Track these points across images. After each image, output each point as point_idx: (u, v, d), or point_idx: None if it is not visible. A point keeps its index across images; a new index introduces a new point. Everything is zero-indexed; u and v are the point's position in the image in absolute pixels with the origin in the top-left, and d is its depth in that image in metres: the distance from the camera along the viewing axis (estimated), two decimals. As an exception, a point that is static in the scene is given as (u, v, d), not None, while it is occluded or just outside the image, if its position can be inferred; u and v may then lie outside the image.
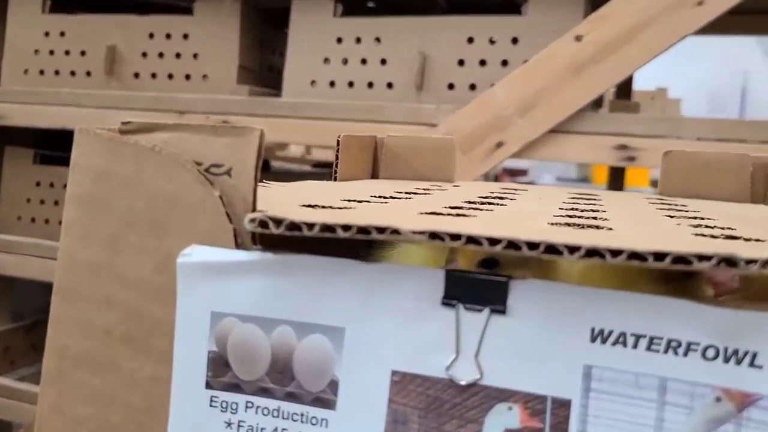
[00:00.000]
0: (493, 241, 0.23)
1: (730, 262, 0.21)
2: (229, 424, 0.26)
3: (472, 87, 1.02)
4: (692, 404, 0.22)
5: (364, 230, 0.24)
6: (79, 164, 0.28)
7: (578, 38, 0.92)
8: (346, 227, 0.24)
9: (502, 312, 0.24)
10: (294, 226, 0.24)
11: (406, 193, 0.43)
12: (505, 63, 1.00)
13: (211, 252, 0.26)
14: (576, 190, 0.52)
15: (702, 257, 0.21)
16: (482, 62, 1.02)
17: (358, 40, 1.07)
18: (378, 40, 1.05)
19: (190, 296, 0.26)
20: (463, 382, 0.24)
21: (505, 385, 0.23)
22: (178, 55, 1.18)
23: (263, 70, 1.20)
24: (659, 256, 0.21)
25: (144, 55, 1.20)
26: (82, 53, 1.23)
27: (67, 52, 1.24)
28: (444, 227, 0.23)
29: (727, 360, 0.21)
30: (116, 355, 0.27)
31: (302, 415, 0.25)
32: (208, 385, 0.26)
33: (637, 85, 2.19)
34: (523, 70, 0.95)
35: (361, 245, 0.30)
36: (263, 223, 0.25)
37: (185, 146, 0.27)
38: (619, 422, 0.22)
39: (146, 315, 0.26)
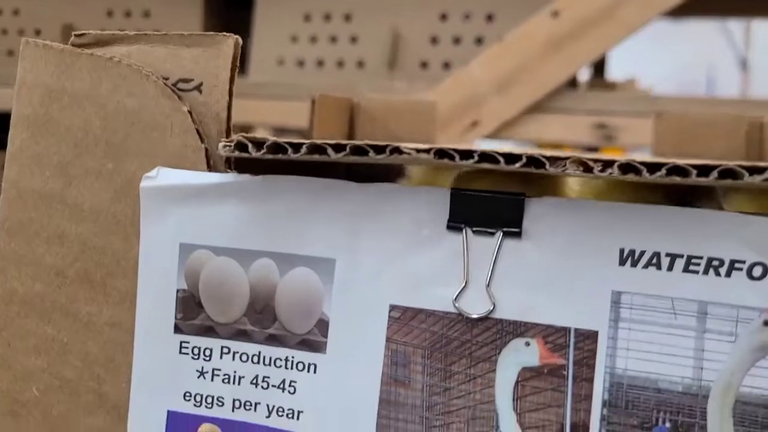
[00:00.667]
0: (511, 158, 0.20)
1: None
2: (202, 373, 0.22)
3: (446, 65, 0.99)
4: (737, 331, 0.19)
5: (359, 150, 0.21)
6: (26, 82, 0.24)
7: (555, 14, 0.90)
8: (339, 147, 0.21)
9: (517, 235, 0.21)
10: (278, 147, 0.21)
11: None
12: (479, 41, 0.98)
13: (180, 175, 0.22)
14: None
15: (753, 170, 0.18)
16: (456, 40, 0.99)
17: (327, 17, 1.03)
18: (348, 17, 1.02)
19: (155, 226, 0.22)
20: (473, 316, 0.21)
21: (522, 317, 0.20)
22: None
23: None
24: (703, 169, 0.19)
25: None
26: (37, 32, 1.17)
27: (21, 32, 1.18)
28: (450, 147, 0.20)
29: (777, 278, 0.19)
30: (70, 298, 0.23)
31: (286, 360, 0.22)
32: (178, 329, 0.23)
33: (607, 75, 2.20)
34: (499, 47, 0.93)
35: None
36: (241, 146, 0.21)
37: (149, 60, 0.23)
38: (653, 354, 0.20)
39: (104, 251, 0.23)
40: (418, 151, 0.20)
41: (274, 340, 0.22)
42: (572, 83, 0.93)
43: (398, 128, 0.54)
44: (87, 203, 0.23)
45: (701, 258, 0.19)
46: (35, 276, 0.24)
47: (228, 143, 0.21)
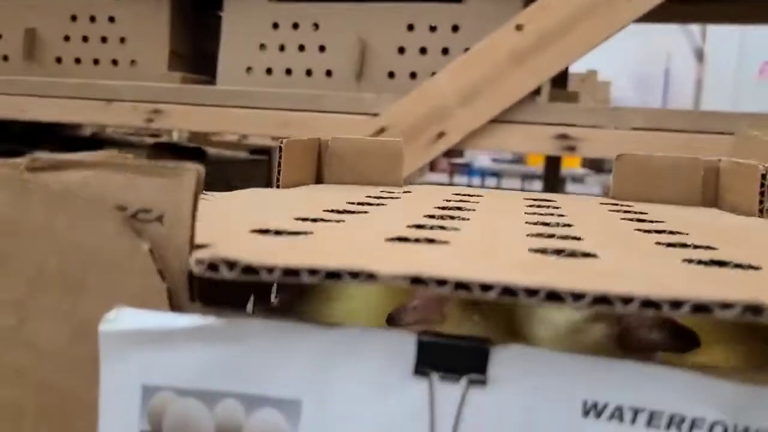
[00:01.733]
0: (486, 287, 0.19)
1: (755, 310, 0.18)
2: None
3: (413, 75, 0.98)
4: (699, 490, 0.19)
5: (334, 274, 0.20)
6: (-22, 209, 0.23)
7: (519, 27, 0.89)
8: (313, 271, 0.20)
9: (482, 383, 0.20)
10: (250, 269, 0.20)
11: (359, 203, 0.40)
12: (445, 51, 0.97)
13: (141, 317, 0.21)
14: (530, 195, 0.49)
15: (725, 305, 0.18)
16: (423, 50, 0.98)
17: (296, 25, 1.01)
18: (316, 26, 1.00)
19: (115, 369, 0.21)
20: (439, 465, 0.20)
21: (487, 466, 0.20)
22: (103, 39, 1.10)
23: (197, 55, 1.13)
24: (676, 303, 0.18)
25: (66, 38, 1.11)
26: (-1, 36, 1.13)
27: (-19, 36, 1.14)
28: (424, 267, 0.20)
29: (738, 440, 0.19)
30: (30, 435, 0.22)
31: (253, 502, 0.21)
32: (142, 471, 0.22)
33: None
34: (465, 59, 0.92)
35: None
36: (213, 266, 0.21)
37: (108, 187, 0.22)
38: None
39: (64, 390, 0.22)
40: (393, 277, 0.20)
41: (240, 481, 0.21)
42: (535, 93, 0.93)
43: (366, 168, 0.53)
44: (43, 343, 0.22)
45: (663, 413, 0.19)
46: (-7, 414, 0.23)
47: (200, 260, 0.21)
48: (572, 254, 0.26)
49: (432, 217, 0.35)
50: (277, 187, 0.47)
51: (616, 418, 0.20)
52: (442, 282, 0.20)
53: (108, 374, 0.22)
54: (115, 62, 1.09)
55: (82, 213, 0.22)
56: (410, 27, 0.97)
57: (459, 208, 0.39)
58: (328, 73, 1.00)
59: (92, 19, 1.09)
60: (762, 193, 0.41)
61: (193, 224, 0.22)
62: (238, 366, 0.21)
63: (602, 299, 0.19)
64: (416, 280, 0.20)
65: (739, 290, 0.20)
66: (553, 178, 1.69)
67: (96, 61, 1.10)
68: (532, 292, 0.19)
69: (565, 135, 0.91)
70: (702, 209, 0.47)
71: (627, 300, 0.19)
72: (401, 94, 0.95)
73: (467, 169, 3.21)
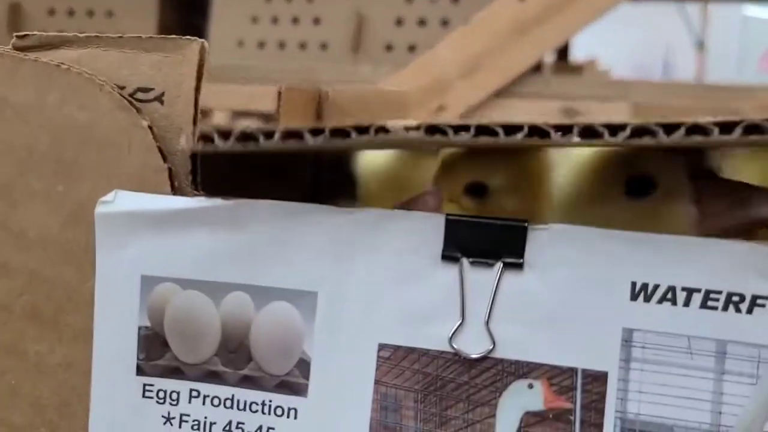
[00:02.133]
0: (511, 129, 0.18)
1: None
2: (168, 419, 0.20)
3: (412, 48, 0.97)
4: (758, 372, 0.17)
5: (339, 132, 0.19)
6: (-40, 90, 0.21)
7: (521, -3, 0.88)
8: (316, 131, 0.19)
9: (519, 266, 0.19)
10: (247, 136, 0.19)
11: None
12: (445, 23, 0.95)
13: (140, 199, 0.20)
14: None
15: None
16: (421, 22, 0.96)
17: (289, -3, 0.99)
18: (310, -3, 0.99)
19: (112, 257, 0.20)
20: (471, 356, 0.19)
21: (524, 357, 0.18)
22: (90, 13, 1.08)
23: (186, 29, 1.11)
24: (669, 127, 0.17)
25: (51, 12, 1.09)
26: (-19, 11, 1.11)
27: (-36, 10, 1.11)
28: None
29: (804, 316, 0.17)
30: (18, 335, 0.21)
31: (263, 404, 0.20)
32: (140, 371, 0.20)
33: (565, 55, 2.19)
34: (465, 30, 0.90)
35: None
36: (207, 138, 0.19)
37: (101, 65, 0.21)
38: (667, 398, 0.18)
39: (55, 283, 0.20)
40: (407, 129, 0.18)
41: (249, 382, 0.20)
42: (537, 67, 0.91)
43: (367, 119, 0.51)
44: (33, 230, 0.20)
45: (720, 293, 0.18)
46: (-23, 311, 0.21)
47: (192, 133, 0.19)
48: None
49: None
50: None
51: (667, 300, 0.18)
52: (460, 128, 0.18)
53: (104, 263, 0.20)
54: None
55: (75, 88, 0.20)
56: (408, -2, 0.96)
57: None
58: (324, 46, 0.99)
59: (79, -9, 1.07)
60: None
61: (197, 103, 0.20)
62: (246, 254, 0.20)
63: (645, 130, 0.17)
64: (432, 130, 0.18)
65: None
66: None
67: (83, 36, 1.08)
68: (561, 128, 0.17)
69: (569, 109, 0.89)
70: None
71: (615, 129, 0.17)
72: (399, 67, 0.93)
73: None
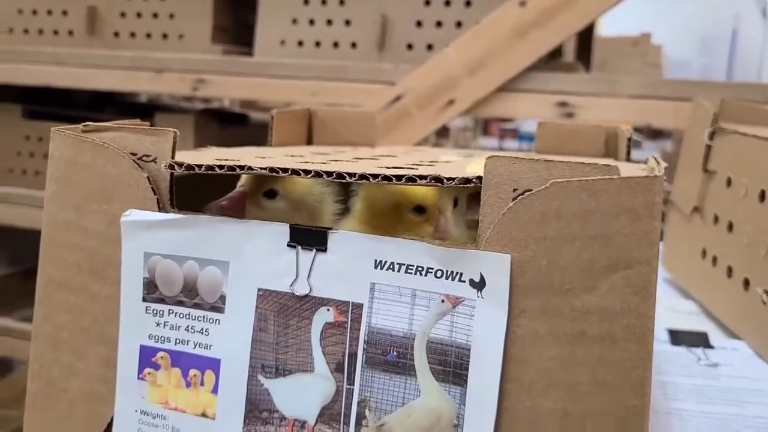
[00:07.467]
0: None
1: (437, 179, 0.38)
2: (158, 324, 0.43)
3: (429, 47, 1.17)
4: (429, 304, 0.39)
5: (231, 168, 0.41)
6: (54, 155, 0.45)
7: (522, 3, 1.07)
8: (220, 166, 0.41)
9: (324, 251, 0.41)
10: (189, 167, 0.41)
11: (320, 153, 0.60)
12: (459, 24, 1.15)
13: (143, 214, 0.43)
14: (462, 151, 0.68)
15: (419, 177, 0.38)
16: (438, 23, 1.16)
17: (324, 1, 1.22)
18: (342, 2, 1.20)
19: (130, 243, 0.43)
20: (300, 294, 0.41)
21: (325, 295, 0.41)
22: (155, 15, 1.33)
23: (239, 27, 1.35)
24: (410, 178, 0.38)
25: (123, 15, 1.35)
26: (64, 13, 1.38)
27: (49, 12, 1.39)
28: (290, 165, 0.40)
29: (447, 277, 0.38)
30: (84, 281, 0.44)
31: (203, 317, 0.43)
32: (144, 299, 0.43)
33: (620, 30, 2.32)
34: (472, 32, 1.10)
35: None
36: (171, 167, 0.42)
37: (125, 142, 0.44)
38: (390, 316, 0.39)
39: (103, 255, 0.44)
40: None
41: (197, 306, 0.43)
42: (536, 63, 1.10)
43: (347, 134, 0.73)
44: (91, 228, 0.44)
45: (413, 266, 0.39)
46: (63, 268, 0.44)
47: (165, 165, 0.42)
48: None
49: (352, 160, 0.55)
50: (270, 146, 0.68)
51: (390, 269, 0.39)
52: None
53: (126, 246, 0.43)
54: (165, 36, 1.33)
55: (111, 156, 0.43)
56: (427, 2, 1.16)
57: (379, 157, 0.59)
58: (353, 45, 1.20)
59: (145, -4, 1.33)
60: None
61: (173, 161, 0.43)
62: (196, 242, 0.42)
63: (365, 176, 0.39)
64: (273, 170, 0.40)
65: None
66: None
67: (148, 35, 1.34)
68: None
69: (564, 102, 1.08)
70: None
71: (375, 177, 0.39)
72: (419, 64, 1.14)
73: (516, 134, 3.42)
